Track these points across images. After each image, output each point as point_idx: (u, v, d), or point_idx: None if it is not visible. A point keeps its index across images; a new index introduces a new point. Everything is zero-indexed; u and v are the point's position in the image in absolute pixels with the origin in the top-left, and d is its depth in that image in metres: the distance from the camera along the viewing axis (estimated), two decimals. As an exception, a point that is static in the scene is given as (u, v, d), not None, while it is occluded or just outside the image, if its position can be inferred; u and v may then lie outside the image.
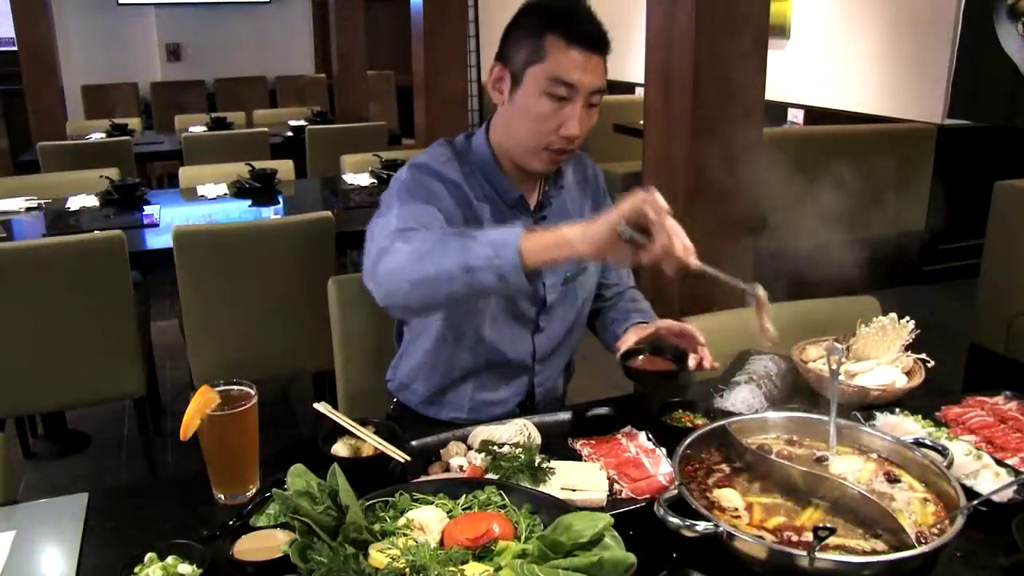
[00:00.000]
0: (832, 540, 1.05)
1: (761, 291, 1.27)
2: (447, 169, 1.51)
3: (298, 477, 1.10)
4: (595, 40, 1.43)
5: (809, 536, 1.05)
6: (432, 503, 1.09)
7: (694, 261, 1.15)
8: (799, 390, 1.57)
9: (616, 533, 0.99)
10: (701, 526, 1.04)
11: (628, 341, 1.53)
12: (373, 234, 1.37)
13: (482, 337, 1.56)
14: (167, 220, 3.13)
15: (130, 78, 7.59)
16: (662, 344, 1.53)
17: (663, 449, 1.32)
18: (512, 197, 1.54)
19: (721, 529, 1.03)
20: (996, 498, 1.15)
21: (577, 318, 1.67)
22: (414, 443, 1.34)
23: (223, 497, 1.24)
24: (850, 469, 1.21)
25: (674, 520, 1.05)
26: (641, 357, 1.49)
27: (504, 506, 1.08)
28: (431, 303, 1.28)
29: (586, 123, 1.47)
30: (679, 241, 1.12)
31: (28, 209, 3.33)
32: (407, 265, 1.24)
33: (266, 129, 5.01)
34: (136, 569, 1.03)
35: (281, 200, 3.58)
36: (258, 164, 3.76)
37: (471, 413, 1.61)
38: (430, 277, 1.21)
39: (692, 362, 1.46)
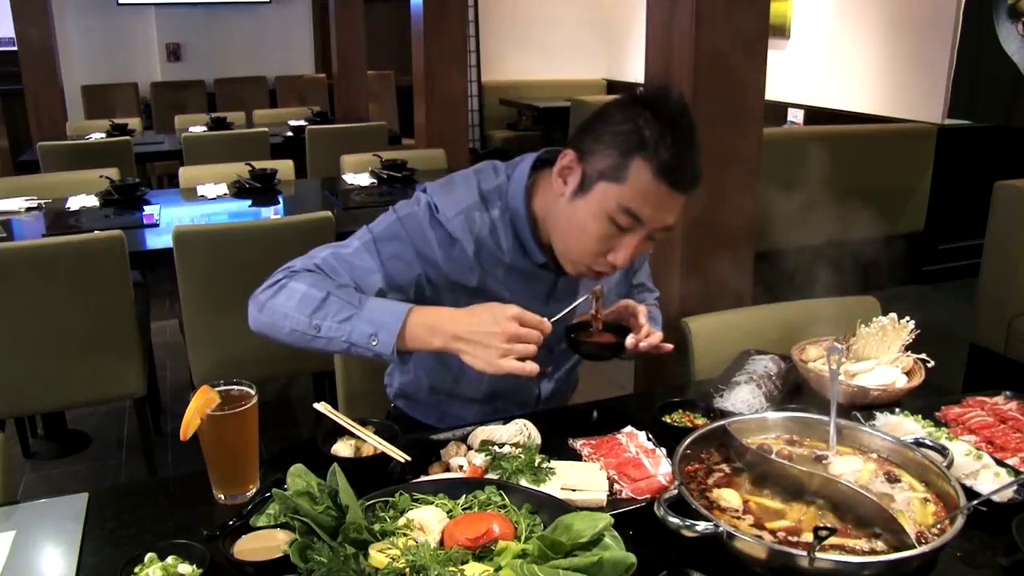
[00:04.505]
0: (832, 540, 1.05)
1: (597, 287, 1.45)
2: (457, 222, 1.38)
3: (298, 477, 1.10)
4: (689, 181, 1.26)
5: (809, 536, 1.05)
6: (432, 503, 1.09)
7: (547, 327, 1.26)
8: (799, 390, 1.57)
9: (616, 533, 0.99)
10: (701, 526, 1.04)
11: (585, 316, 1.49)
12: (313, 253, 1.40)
13: (484, 378, 1.49)
14: (167, 220, 3.13)
15: (130, 78, 7.58)
16: (618, 322, 1.49)
17: (663, 449, 1.32)
18: (537, 261, 1.44)
19: (721, 529, 1.03)
20: (996, 498, 1.15)
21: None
22: (414, 443, 1.34)
23: (223, 497, 1.24)
24: (850, 469, 1.21)
25: (674, 520, 1.05)
26: (591, 330, 1.48)
27: (504, 506, 1.08)
28: (303, 349, 1.34)
29: (639, 252, 1.34)
30: (536, 334, 1.23)
31: (28, 209, 3.33)
32: (294, 314, 1.31)
33: (266, 129, 5.00)
34: (136, 569, 1.03)
35: (281, 200, 3.58)
36: (258, 164, 3.76)
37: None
38: (309, 335, 1.30)
39: (630, 340, 1.41)
